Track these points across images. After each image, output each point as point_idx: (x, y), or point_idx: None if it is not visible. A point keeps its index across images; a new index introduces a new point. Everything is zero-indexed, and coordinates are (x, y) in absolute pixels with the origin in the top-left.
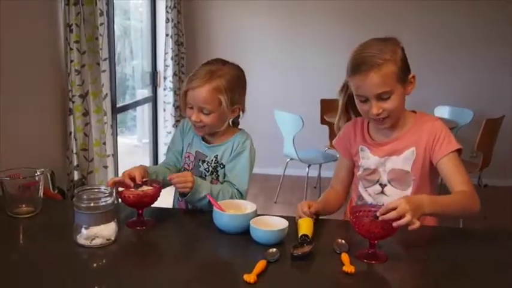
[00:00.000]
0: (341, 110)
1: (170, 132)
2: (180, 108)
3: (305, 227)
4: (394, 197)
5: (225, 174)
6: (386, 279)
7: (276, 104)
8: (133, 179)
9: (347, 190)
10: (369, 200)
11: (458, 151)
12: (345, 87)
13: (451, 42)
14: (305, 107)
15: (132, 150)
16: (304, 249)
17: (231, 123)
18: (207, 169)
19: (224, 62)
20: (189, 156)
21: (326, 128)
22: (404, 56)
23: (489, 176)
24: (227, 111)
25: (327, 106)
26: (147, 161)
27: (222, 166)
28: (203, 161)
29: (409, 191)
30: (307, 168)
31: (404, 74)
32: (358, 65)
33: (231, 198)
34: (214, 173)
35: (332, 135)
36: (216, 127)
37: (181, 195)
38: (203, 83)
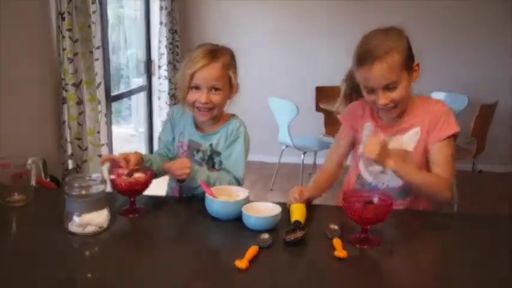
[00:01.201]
0: (342, 98)
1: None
2: (177, 96)
3: (297, 212)
4: (394, 176)
5: (221, 162)
6: (378, 263)
7: (271, 92)
8: (127, 163)
9: (340, 169)
10: (368, 179)
11: (455, 135)
12: (349, 77)
13: (446, 29)
14: (300, 95)
15: (128, 139)
16: (297, 234)
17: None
18: (202, 158)
19: (216, 44)
20: (182, 146)
21: (321, 115)
22: (408, 44)
23: (483, 162)
24: (233, 88)
25: (322, 93)
26: (143, 150)
27: (217, 154)
28: (197, 150)
29: None
30: (302, 156)
31: (409, 62)
32: (363, 57)
33: (229, 185)
34: (210, 161)
35: (327, 122)
36: (221, 107)
37: (178, 181)
38: (210, 60)
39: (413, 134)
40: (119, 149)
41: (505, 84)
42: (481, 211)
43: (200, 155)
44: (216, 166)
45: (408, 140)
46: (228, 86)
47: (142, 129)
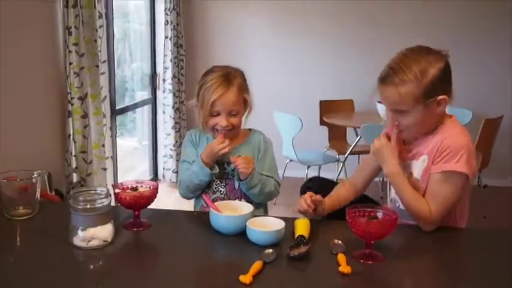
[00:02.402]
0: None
1: (169, 134)
2: (201, 122)
3: (301, 227)
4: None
5: None
6: (382, 279)
7: (275, 105)
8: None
9: (366, 185)
10: (395, 196)
11: (464, 174)
12: None
13: (449, 43)
14: (304, 108)
15: (132, 152)
16: (301, 249)
17: None
18: (234, 169)
19: (225, 66)
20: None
21: (325, 129)
22: (436, 77)
23: (488, 176)
24: (248, 107)
25: (326, 107)
26: (146, 163)
27: None
28: (228, 163)
29: None
30: (306, 170)
31: (427, 97)
32: (383, 74)
33: (275, 188)
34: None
35: (331, 136)
36: (240, 126)
37: (239, 179)
38: (227, 87)
39: (421, 161)
40: (122, 162)
41: (509, 98)
42: (489, 225)
43: (232, 166)
44: None
45: (416, 167)
46: (244, 106)
47: (146, 142)
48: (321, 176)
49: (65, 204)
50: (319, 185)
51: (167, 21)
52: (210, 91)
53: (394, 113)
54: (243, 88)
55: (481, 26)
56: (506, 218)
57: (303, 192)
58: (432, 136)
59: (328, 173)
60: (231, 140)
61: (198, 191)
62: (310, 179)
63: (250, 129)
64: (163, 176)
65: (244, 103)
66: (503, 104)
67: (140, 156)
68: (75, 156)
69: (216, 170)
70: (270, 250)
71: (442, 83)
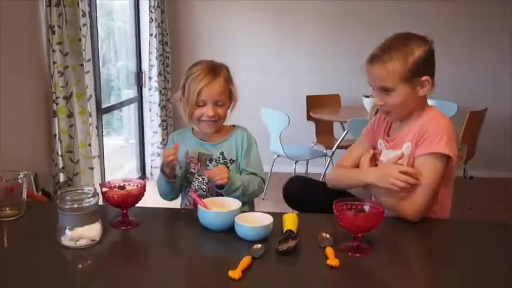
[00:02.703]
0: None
1: (156, 132)
2: (184, 113)
3: (289, 222)
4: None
5: (235, 169)
6: (370, 271)
7: (262, 102)
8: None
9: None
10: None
11: (445, 156)
12: None
13: (434, 36)
14: (291, 104)
15: (119, 151)
16: (289, 244)
17: None
18: (216, 164)
19: (211, 60)
20: (191, 161)
21: (312, 124)
22: (422, 58)
23: (474, 168)
24: (233, 100)
25: (312, 102)
26: (134, 162)
27: (231, 161)
28: (210, 159)
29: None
30: (294, 165)
31: (412, 75)
32: (372, 54)
33: (259, 187)
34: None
35: (318, 131)
36: (225, 118)
37: (217, 187)
38: (214, 77)
39: (405, 148)
40: (108, 161)
41: (493, 91)
42: (475, 217)
43: (214, 163)
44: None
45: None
46: (229, 98)
47: (133, 140)
48: (309, 171)
49: (52, 204)
50: (301, 185)
51: (152, 18)
52: (197, 80)
53: (380, 91)
54: (229, 79)
55: (465, 20)
56: (492, 209)
57: (285, 193)
58: (413, 123)
59: (316, 167)
60: (217, 132)
61: (171, 195)
62: (292, 180)
63: (234, 126)
64: (151, 174)
65: (229, 95)
66: (487, 97)
67: (127, 155)
68: (61, 156)
69: (175, 179)
70: (259, 245)
71: (426, 65)
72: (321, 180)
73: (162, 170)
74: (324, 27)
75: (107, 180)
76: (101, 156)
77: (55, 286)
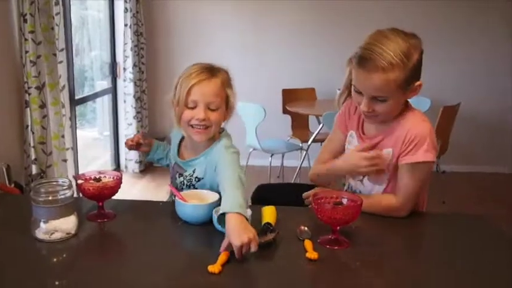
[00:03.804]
0: (344, 85)
1: (131, 124)
2: (174, 118)
3: (268, 215)
4: (369, 189)
5: (201, 186)
6: (349, 264)
7: (238, 95)
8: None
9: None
10: (351, 183)
11: (431, 162)
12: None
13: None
14: (266, 97)
15: (92, 143)
16: (267, 237)
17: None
18: (182, 182)
19: (210, 63)
20: (170, 164)
21: (288, 117)
22: (419, 61)
23: (447, 163)
24: (230, 109)
25: (288, 96)
26: (108, 154)
27: (197, 179)
28: (180, 175)
29: (382, 187)
30: (270, 158)
31: (409, 82)
32: (366, 59)
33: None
34: (192, 187)
35: (294, 124)
36: (217, 129)
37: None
38: (209, 76)
39: (386, 153)
40: (82, 153)
41: (466, 86)
42: (448, 210)
43: (181, 179)
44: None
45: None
46: (225, 105)
47: (108, 132)
48: (284, 164)
49: (25, 197)
50: (268, 192)
51: (126, 8)
52: (190, 77)
53: (371, 99)
54: (227, 83)
55: (436, 16)
56: (465, 202)
57: (254, 202)
58: (395, 125)
59: (292, 161)
60: (190, 149)
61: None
62: (258, 189)
63: (220, 132)
64: (126, 167)
65: (225, 100)
66: (460, 92)
67: (101, 147)
68: (33, 147)
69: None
70: None
71: (418, 69)
72: (295, 175)
73: None
74: (299, 21)
75: (80, 172)
76: (74, 148)
77: (30, 280)
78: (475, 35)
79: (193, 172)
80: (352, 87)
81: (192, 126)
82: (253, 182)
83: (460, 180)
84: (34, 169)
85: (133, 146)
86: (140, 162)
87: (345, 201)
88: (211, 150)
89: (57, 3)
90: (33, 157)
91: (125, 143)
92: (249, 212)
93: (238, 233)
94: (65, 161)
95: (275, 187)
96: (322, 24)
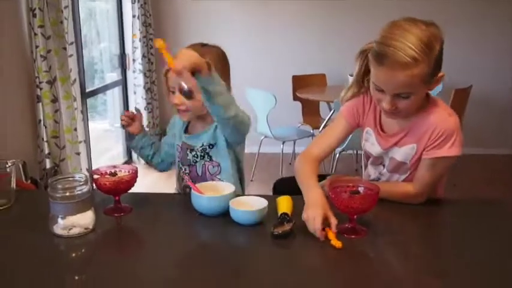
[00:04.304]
0: (354, 81)
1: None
2: (165, 94)
3: (284, 205)
4: (389, 179)
5: (216, 153)
6: (367, 253)
7: (247, 82)
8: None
9: (327, 155)
10: (370, 172)
11: (454, 156)
12: (365, 54)
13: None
14: (276, 84)
15: (103, 135)
16: (285, 227)
17: None
18: (195, 155)
19: (204, 44)
20: (177, 148)
21: (299, 104)
22: (440, 52)
23: None
24: None
25: (298, 82)
26: (119, 146)
27: (211, 146)
28: (191, 150)
29: (404, 177)
30: (281, 145)
31: (433, 75)
32: (385, 56)
33: (242, 113)
34: (206, 156)
35: (305, 111)
36: (199, 110)
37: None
38: None
39: (410, 149)
40: (94, 145)
41: (478, 68)
42: (459, 193)
43: (193, 153)
44: (214, 158)
45: (404, 153)
46: None
47: (118, 124)
48: (296, 151)
49: (42, 193)
50: (287, 186)
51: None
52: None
53: (394, 96)
54: None
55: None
56: (475, 185)
57: (274, 192)
58: (418, 120)
59: (303, 147)
60: (201, 120)
61: (144, 154)
62: (277, 183)
63: None
64: (138, 158)
65: None
66: (471, 74)
67: (113, 139)
68: (47, 141)
69: (130, 141)
70: None
71: (441, 60)
72: None
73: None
74: (308, 7)
75: (93, 165)
76: (87, 141)
77: (49, 275)
78: (486, 16)
79: (204, 143)
80: (371, 84)
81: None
82: (265, 169)
83: (474, 162)
84: (48, 163)
85: (129, 120)
86: None
87: (361, 189)
88: (214, 125)
89: None
90: (46, 151)
91: (121, 119)
92: (264, 203)
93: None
94: (78, 154)
95: (294, 180)
96: (331, 9)
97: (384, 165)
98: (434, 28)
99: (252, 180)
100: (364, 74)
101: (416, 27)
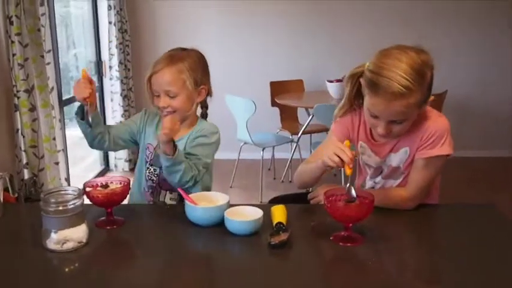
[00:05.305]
0: (345, 101)
1: (119, 123)
2: (149, 98)
3: (278, 214)
4: (384, 185)
5: None
6: (363, 261)
7: (226, 89)
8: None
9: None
10: (368, 184)
11: (445, 155)
12: (355, 77)
13: (394, 22)
14: (255, 90)
15: (78, 142)
16: (281, 237)
17: (199, 114)
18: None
19: (184, 48)
20: (148, 148)
21: (277, 110)
22: (431, 78)
23: None
24: (193, 92)
25: (276, 88)
26: (96, 153)
27: None
28: None
29: (398, 181)
30: (261, 152)
31: (426, 100)
32: (380, 86)
33: (196, 172)
34: None
35: (283, 117)
36: (186, 110)
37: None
38: (164, 65)
39: (403, 153)
40: (70, 153)
41: (452, 74)
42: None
43: None
44: None
45: (397, 158)
46: (187, 89)
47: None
48: (275, 157)
49: (28, 205)
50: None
51: (110, 6)
52: (151, 66)
53: (389, 123)
54: (183, 70)
55: (422, 3)
56: (456, 189)
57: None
58: (412, 127)
59: (282, 153)
60: (181, 123)
61: (92, 141)
62: (271, 202)
63: (201, 118)
64: (116, 166)
65: (183, 85)
66: (446, 79)
67: (88, 147)
68: (25, 151)
69: (93, 126)
70: None
71: (431, 85)
72: (286, 167)
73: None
74: (284, 13)
75: (71, 174)
76: (65, 150)
77: None
78: (462, 22)
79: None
80: (366, 110)
81: (161, 111)
82: (244, 176)
83: (449, 166)
84: (26, 174)
85: (89, 85)
86: (130, 160)
87: (354, 194)
88: (194, 130)
89: (42, 4)
90: (24, 161)
91: (80, 95)
92: (260, 213)
93: None
94: (57, 163)
95: (288, 198)
96: (308, 14)
97: (381, 173)
98: (424, 55)
99: (231, 187)
100: (355, 96)
101: (407, 56)
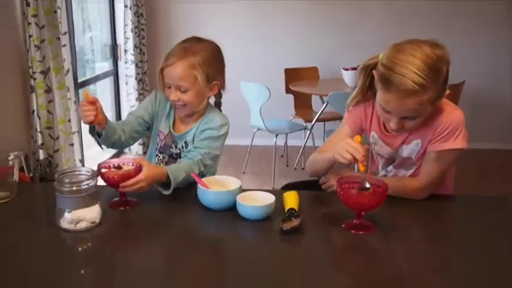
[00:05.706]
0: (358, 92)
1: (133, 106)
2: (161, 89)
3: (291, 200)
4: (396, 174)
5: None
6: (375, 249)
7: (241, 76)
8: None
9: None
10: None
11: (459, 149)
12: (368, 69)
13: (410, 10)
14: (269, 77)
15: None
16: (293, 223)
17: (212, 103)
18: (177, 154)
19: (199, 40)
20: (159, 135)
21: (291, 97)
22: (447, 73)
23: None
24: (204, 88)
25: (290, 75)
26: None
27: (186, 145)
28: (176, 146)
29: (410, 172)
30: (274, 138)
31: (440, 96)
32: (393, 83)
33: (202, 169)
34: (185, 152)
35: (297, 104)
36: (196, 105)
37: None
38: (177, 59)
39: (414, 145)
40: (86, 135)
41: (470, 64)
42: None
43: (177, 150)
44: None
45: (409, 150)
46: (199, 85)
47: (109, 114)
48: (288, 144)
49: (43, 185)
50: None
51: None
52: (164, 59)
53: (401, 119)
54: (196, 65)
55: None
56: (468, 180)
57: None
58: (427, 121)
59: (296, 140)
60: (187, 117)
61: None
62: (286, 186)
63: (211, 107)
64: (129, 149)
65: (195, 81)
66: (463, 70)
67: None
68: (40, 132)
69: (104, 136)
70: None
71: (447, 80)
72: (299, 154)
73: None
74: (300, 0)
75: (85, 156)
76: (80, 132)
77: (56, 269)
78: (481, 12)
79: (185, 143)
80: (378, 105)
81: (173, 103)
82: (257, 162)
83: (466, 157)
84: (41, 154)
85: (93, 107)
86: (143, 144)
87: (367, 185)
88: (202, 121)
89: None
90: (39, 142)
91: (86, 118)
92: (272, 199)
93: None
94: (72, 145)
95: (300, 185)
96: (324, 3)
97: (393, 162)
98: (439, 50)
99: (244, 173)
100: (368, 87)
101: (421, 51)
